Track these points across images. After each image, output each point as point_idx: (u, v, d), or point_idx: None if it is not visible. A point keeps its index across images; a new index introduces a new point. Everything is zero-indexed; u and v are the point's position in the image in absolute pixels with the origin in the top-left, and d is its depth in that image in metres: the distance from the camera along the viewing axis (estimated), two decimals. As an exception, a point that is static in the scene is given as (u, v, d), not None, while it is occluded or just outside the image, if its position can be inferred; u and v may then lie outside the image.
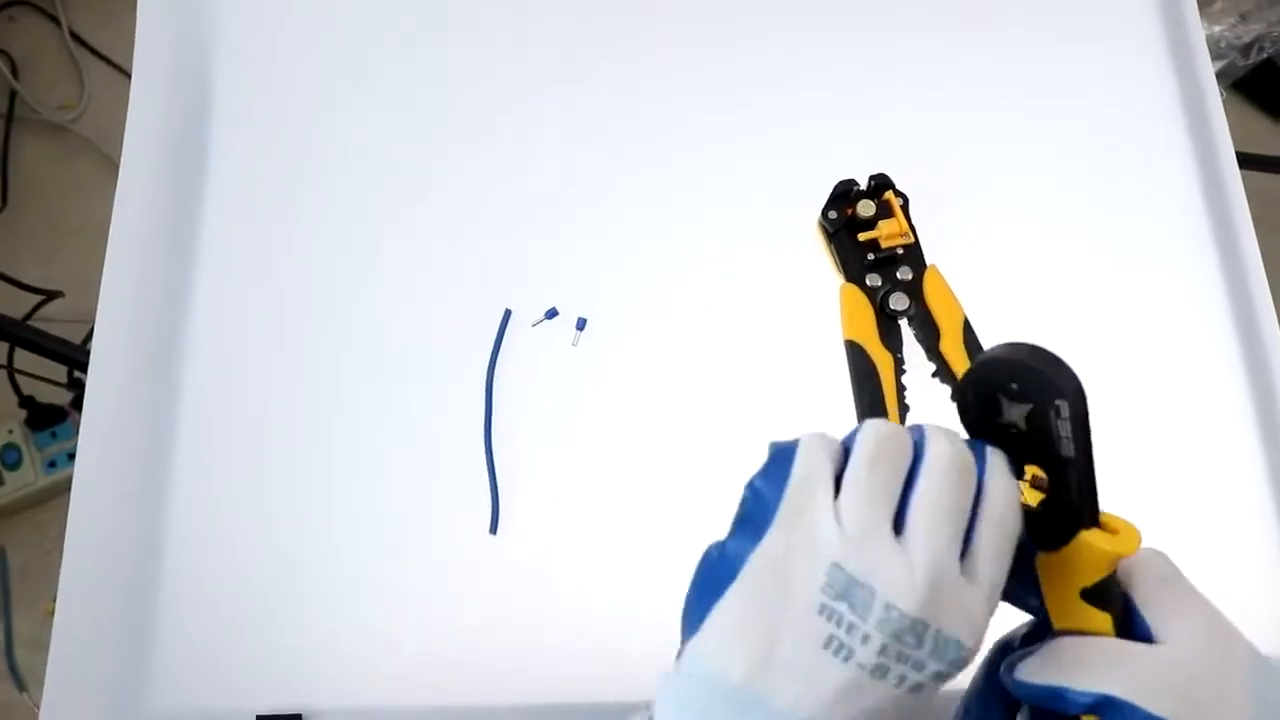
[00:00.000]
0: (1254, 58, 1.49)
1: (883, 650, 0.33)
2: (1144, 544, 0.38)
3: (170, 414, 0.70)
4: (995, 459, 0.37)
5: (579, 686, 0.62)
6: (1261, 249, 0.75)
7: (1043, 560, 0.39)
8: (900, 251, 0.71)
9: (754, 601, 0.35)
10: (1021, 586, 0.39)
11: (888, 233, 0.70)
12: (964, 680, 0.39)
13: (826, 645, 0.34)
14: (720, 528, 0.38)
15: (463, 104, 0.79)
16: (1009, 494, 0.36)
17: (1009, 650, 0.41)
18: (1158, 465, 0.68)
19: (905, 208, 0.72)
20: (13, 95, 1.69)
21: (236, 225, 0.75)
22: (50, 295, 1.25)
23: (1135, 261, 0.74)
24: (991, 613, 0.35)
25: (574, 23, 0.82)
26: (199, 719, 0.63)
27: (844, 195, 0.72)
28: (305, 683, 0.64)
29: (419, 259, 0.74)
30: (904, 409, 0.68)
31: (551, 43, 0.81)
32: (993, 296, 0.71)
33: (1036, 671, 0.37)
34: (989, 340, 0.69)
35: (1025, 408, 0.37)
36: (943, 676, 0.34)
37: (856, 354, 0.69)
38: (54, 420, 1.47)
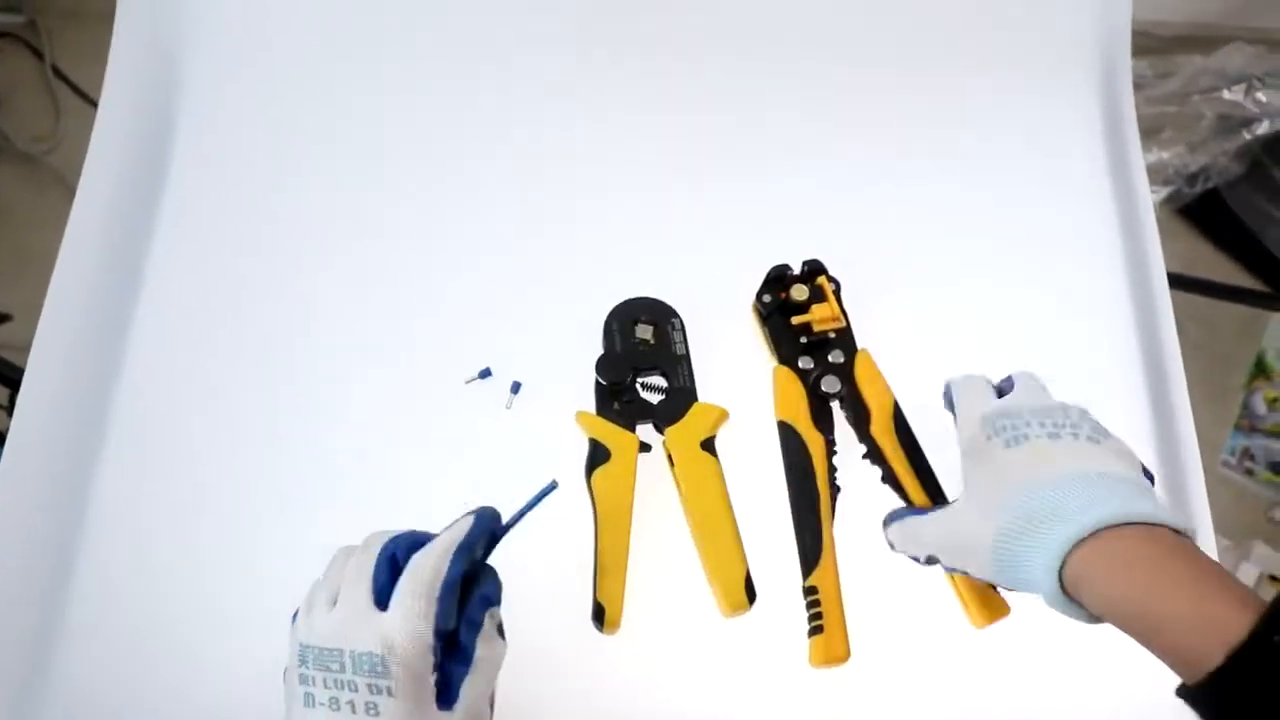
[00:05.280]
0: (1200, 186, 1.54)
1: (325, 683, 0.44)
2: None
3: (96, 446, 0.70)
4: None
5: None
6: (1197, 372, 0.77)
7: None
8: (832, 335, 0.72)
9: None
10: None
11: (820, 316, 0.72)
12: None
13: (305, 703, 0.45)
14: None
15: (419, 157, 0.81)
16: (432, 556, 0.47)
17: None
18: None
19: (837, 293, 0.73)
20: (-12, 123, 1.70)
21: (183, 264, 0.76)
22: (1, 317, 1.24)
23: (1062, 366, 0.76)
24: (413, 629, 0.45)
25: (514, 100, 0.84)
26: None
27: (778, 279, 0.73)
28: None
29: (361, 305, 0.75)
30: (835, 489, 0.69)
31: (501, 108, 0.83)
32: (922, 382, 0.72)
33: None
34: (918, 423, 0.70)
35: None
36: (381, 689, 0.44)
37: (789, 434, 0.70)
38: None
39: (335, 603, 0.47)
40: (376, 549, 0.48)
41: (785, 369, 0.72)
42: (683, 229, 0.79)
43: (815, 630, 0.64)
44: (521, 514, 0.54)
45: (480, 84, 0.84)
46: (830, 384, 0.71)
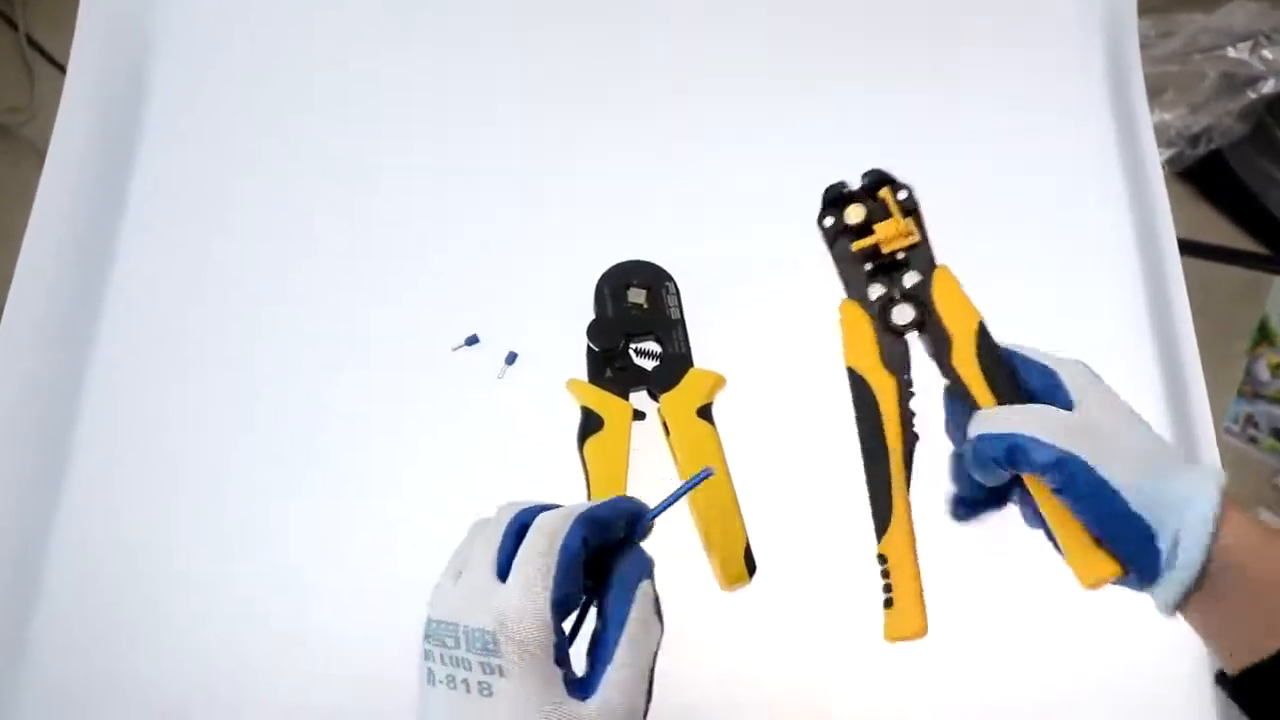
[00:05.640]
0: (1202, 148, 1.51)
1: (443, 659, 0.40)
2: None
3: (69, 423, 0.68)
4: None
5: None
6: (1198, 337, 0.75)
7: None
8: (902, 255, 0.63)
9: None
10: None
11: (885, 235, 0.62)
12: None
13: (428, 680, 0.41)
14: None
15: (401, 124, 0.78)
16: (551, 519, 0.43)
17: None
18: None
19: (909, 202, 0.63)
20: (-39, 95, 1.67)
21: (156, 237, 0.74)
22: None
23: (1070, 331, 0.72)
24: (529, 603, 0.40)
25: (501, 65, 0.81)
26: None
27: (834, 201, 0.64)
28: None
29: (342, 277, 0.73)
30: (912, 438, 0.61)
31: (515, 52, 0.81)
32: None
33: None
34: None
35: None
36: (493, 668, 0.39)
37: (855, 382, 0.62)
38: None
39: (461, 575, 0.44)
40: (506, 519, 0.44)
41: (851, 304, 0.63)
42: (676, 190, 0.76)
43: (887, 603, 0.58)
44: (673, 499, 0.50)
45: (467, 49, 0.81)
46: (901, 314, 0.62)
